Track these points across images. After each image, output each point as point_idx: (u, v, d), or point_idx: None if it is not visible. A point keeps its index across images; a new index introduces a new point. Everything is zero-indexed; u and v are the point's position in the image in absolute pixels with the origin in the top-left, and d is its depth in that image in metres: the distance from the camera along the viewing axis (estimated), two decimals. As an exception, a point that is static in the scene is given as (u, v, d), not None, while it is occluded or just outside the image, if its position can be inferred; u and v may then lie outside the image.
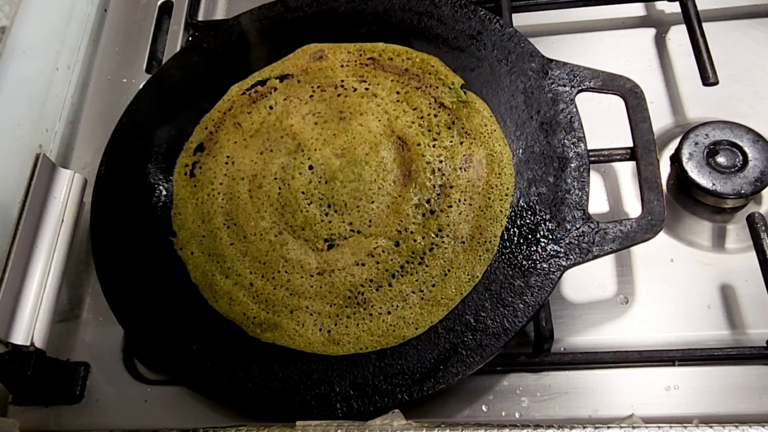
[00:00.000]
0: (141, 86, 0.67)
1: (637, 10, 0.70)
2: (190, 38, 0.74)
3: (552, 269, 0.52)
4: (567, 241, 0.52)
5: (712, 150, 0.58)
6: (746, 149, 0.58)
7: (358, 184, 0.57)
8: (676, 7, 0.66)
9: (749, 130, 0.59)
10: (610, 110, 0.61)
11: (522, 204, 0.55)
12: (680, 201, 0.60)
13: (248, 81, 0.65)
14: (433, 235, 0.55)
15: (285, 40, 0.67)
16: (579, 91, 0.58)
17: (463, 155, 0.57)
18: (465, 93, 0.60)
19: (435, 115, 0.59)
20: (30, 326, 0.55)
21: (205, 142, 0.62)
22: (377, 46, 0.64)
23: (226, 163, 0.61)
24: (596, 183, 0.61)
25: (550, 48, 0.66)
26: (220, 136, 0.62)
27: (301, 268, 0.55)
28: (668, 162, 0.61)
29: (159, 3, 0.78)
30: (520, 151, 0.57)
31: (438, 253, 0.54)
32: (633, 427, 0.46)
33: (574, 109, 0.57)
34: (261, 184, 0.59)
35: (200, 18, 0.76)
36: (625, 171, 0.62)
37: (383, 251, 0.55)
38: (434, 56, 0.62)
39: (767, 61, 0.66)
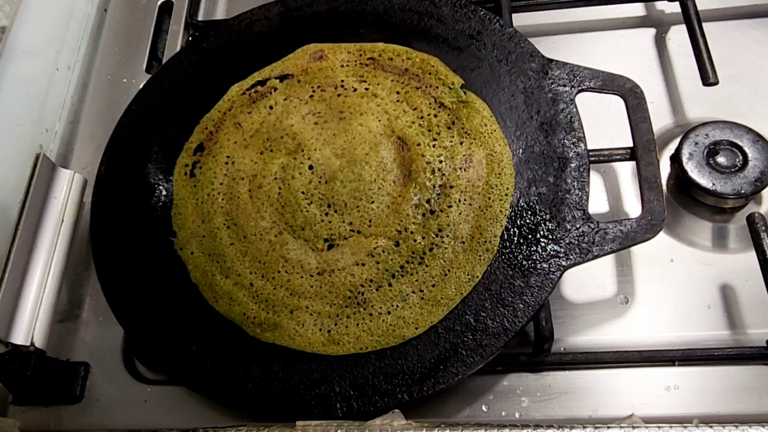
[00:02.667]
0: (141, 86, 0.67)
1: (637, 10, 0.70)
2: (190, 38, 0.74)
3: (552, 269, 0.52)
4: (567, 241, 0.52)
5: (712, 150, 0.58)
6: (746, 149, 0.58)
7: (358, 184, 0.57)
8: (676, 7, 0.66)
9: (749, 130, 0.59)
10: (610, 110, 0.61)
11: (522, 204, 0.55)
12: (680, 201, 0.60)
13: (248, 81, 0.65)
14: (433, 235, 0.55)
15: (285, 40, 0.67)
16: (579, 91, 0.58)
17: (463, 155, 0.57)
18: (465, 93, 0.60)
19: (435, 115, 0.59)
20: (30, 326, 0.55)
21: (205, 142, 0.62)
22: (377, 46, 0.64)
23: (226, 163, 0.61)
24: (596, 183, 0.61)
25: (550, 48, 0.66)
26: (220, 136, 0.62)
27: (301, 268, 0.55)
28: (668, 162, 0.61)
29: (159, 3, 0.78)
30: (520, 151, 0.57)
31: (438, 253, 0.54)
32: (633, 427, 0.46)
33: (574, 109, 0.57)
34: (261, 184, 0.59)
35: (200, 18, 0.76)
36: (625, 171, 0.62)
37: (383, 251, 0.55)
38: (434, 56, 0.62)
39: (767, 61, 0.66)
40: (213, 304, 0.56)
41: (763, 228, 0.54)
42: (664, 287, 0.57)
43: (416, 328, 0.52)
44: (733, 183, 0.57)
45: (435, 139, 0.58)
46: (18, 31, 0.66)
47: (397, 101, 0.60)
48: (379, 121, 0.59)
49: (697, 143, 0.59)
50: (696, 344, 0.54)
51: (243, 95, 0.64)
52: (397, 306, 0.53)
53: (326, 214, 0.57)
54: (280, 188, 0.59)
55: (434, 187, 0.56)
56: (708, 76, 0.60)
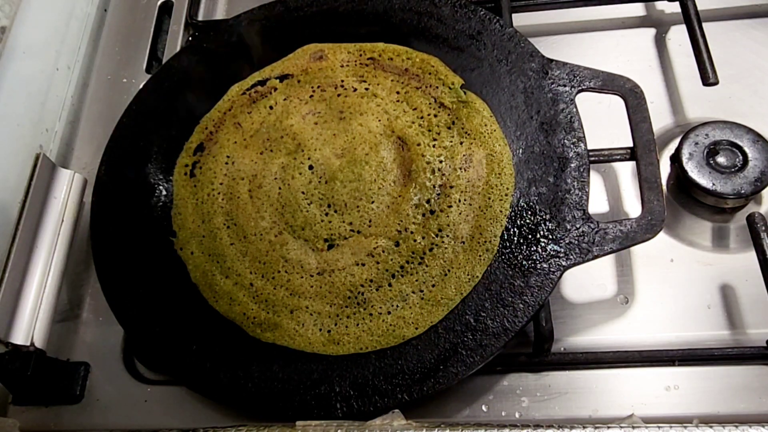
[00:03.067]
0: (141, 86, 0.67)
1: (637, 10, 0.70)
2: (190, 38, 0.74)
3: (552, 269, 0.52)
4: (567, 241, 0.52)
5: (712, 150, 0.58)
6: (746, 149, 0.58)
7: (358, 184, 0.57)
8: (676, 7, 0.66)
9: (749, 130, 0.59)
10: (610, 110, 0.61)
11: (522, 204, 0.55)
12: (680, 201, 0.60)
13: (248, 81, 0.65)
14: (433, 235, 0.55)
15: (285, 40, 0.67)
16: (579, 91, 0.58)
17: (463, 155, 0.57)
18: (465, 93, 0.59)
19: (435, 115, 0.59)
20: (30, 326, 0.55)
21: (205, 141, 0.62)
22: (377, 46, 0.64)
23: (226, 163, 0.61)
24: (596, 183, 0.61)
25: (550, 48, 0.66)
26: (220, 136, 0.62)
27: (301, 268, 0.55)
28: (668, 162, 0.61)
29: (159, 3, 0.78)
30: (520, 151, 0.57)
31: (438, 253, 0.54)
32: (633, 427, 0.46)
33: (574, 109, 0.57)
34: (261, 184, 0.59)
35: (200, 18, 0.76)
36: (625, 171, 0.62)
37: (383, 251, 0.55)
38: (434, 56, 0.62)
39: (767, 61, 0.66)
40: (213, 304, 0.56)
41: (763, 228, 0.54)
42: (664, 287, 0.57)
43: (416, 328, 0.52)
44: (733, 183, 0.57)
45: (435, 139, 0.58)
46: (18, 31, 0.66)
47: (397, 101, 0.60)
48: (379, 121, 0.59)
49: (697, 143, 0.59)
50: (696, 344, 0.54)
51: (243, 95, 0.64)
52: (397, 306, 0.53)
53: (326, 214, 0.57)
54: (280, 188, 0.59)
55: (434, 187, 0.56)
56: (708, 76, 0.60)
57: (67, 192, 0.61)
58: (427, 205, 0.56)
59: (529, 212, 0.54)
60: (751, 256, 0.54)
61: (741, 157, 0.58)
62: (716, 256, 0.58)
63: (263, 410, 0.52)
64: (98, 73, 0.75)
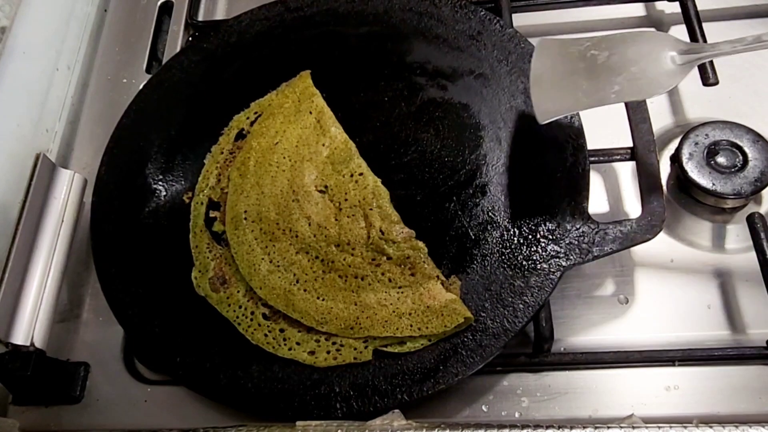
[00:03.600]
0: (141, 86, 0.67)
1: (637, 10, 0.70)
2: (190, 38, 0.74)
3: (552, 269, 0.52)
4: (567, 242, 0.52)
5: (712, 150, 0.58)
6: (746, 149, 0.58)
7: None
8: (676, 7, 0.66)
9: (749, 130, 0.59)
10: (610, 110, 0.60)
11: (522, 204, 0.55)
12: (680, 201, 0.60)
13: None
14: None
15: (285, 41, 0.67)
16: (579, 91, 0.58)
17: None
18: None
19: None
20: (30, 326, 0.55)
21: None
22: None
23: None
24: (596, 183, 0.61)
25: (550, 48, 0.66)
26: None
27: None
28: (668, 162, 0.61)
29: (159, 3, 0.78)
30: (519, 151, 0.57)
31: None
32: (633, 427, 0.46)
33: (574, 109, 0.57)
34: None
35: (200, 18, 0.76)
36: (625, 171, 0.62)
37: None
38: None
39: (767, 61, 0.66)
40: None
41: (763, 228, 0.53)
42: (664, 287, 0.57)
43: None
44: (733, 183, 0.57)
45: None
46: (18, 31, 0.66)
47: None
48: None
49: (697, 143, 0.59)
50: (696, 344, 0.54)
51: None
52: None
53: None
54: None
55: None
56: (708, 76, 0.60)
57: (67, 192, 0.61)
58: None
59: (529, 213, 0.54)
60: (751, 256, 0.54)
61: (741, 157, 0.58)
62: (716, 256, 0.58)
63: (263, 410, 0.52)
64: (98, 73, 0.75)
